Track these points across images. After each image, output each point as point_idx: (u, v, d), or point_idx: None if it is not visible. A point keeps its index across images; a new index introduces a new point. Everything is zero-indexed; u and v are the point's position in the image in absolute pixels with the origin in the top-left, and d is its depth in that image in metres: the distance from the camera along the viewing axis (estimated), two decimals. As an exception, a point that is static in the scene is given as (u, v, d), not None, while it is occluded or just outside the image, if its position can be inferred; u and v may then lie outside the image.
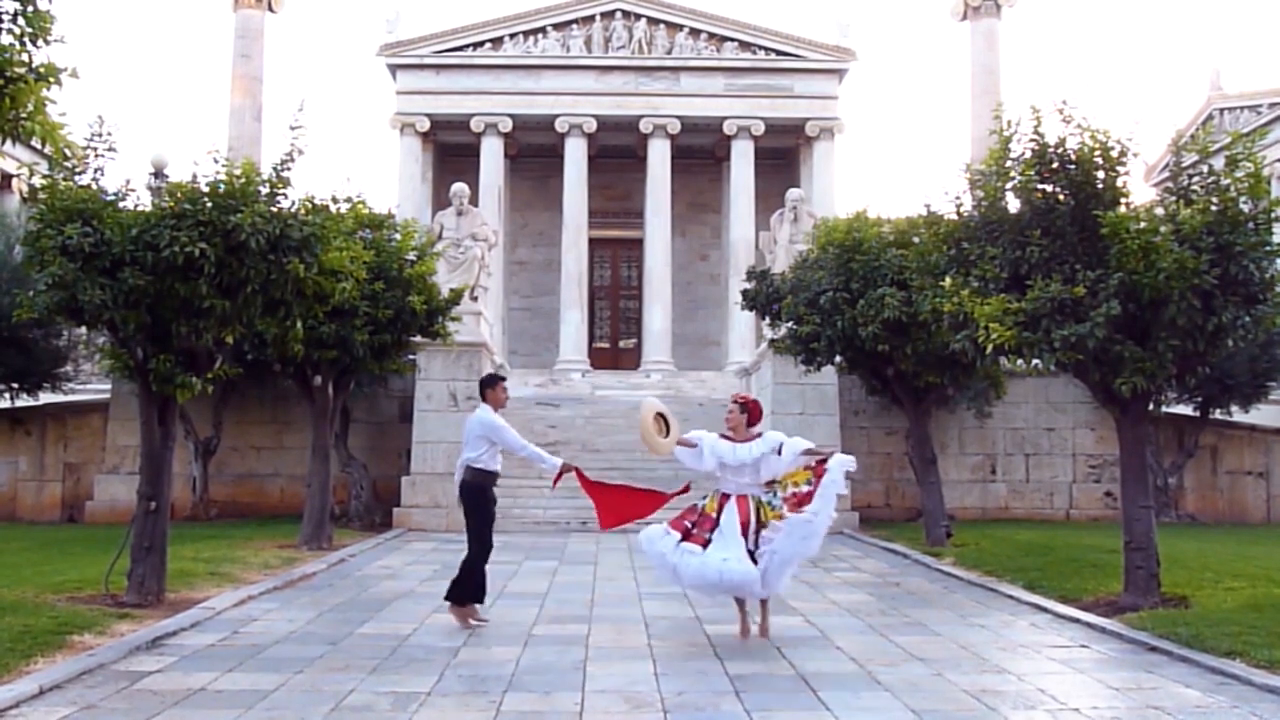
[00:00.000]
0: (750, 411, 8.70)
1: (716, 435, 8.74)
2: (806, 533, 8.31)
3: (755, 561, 8.20)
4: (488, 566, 9.10)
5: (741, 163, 31.12)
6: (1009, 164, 10.01)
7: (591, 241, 31.63)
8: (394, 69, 31.54)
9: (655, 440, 8.75)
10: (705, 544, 8.34)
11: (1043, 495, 20.93)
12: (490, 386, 9.21)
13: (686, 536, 8.46)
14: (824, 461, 8.50)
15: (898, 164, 73.33)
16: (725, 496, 8.53)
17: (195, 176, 9.73)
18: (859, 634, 8.68)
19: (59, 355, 20.61)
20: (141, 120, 67.31)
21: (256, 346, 13.42)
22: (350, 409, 19.26)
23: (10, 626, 7.90)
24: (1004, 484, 20.96)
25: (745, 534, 8.29)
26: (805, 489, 8.39)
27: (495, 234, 23.73)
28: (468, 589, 8.96)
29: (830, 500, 8.39)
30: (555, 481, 9.17)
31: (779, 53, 31.40)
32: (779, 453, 8.45)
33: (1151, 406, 10.58)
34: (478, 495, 9.00)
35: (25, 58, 7.07)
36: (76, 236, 9.07)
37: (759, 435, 8.60)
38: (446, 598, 8.98)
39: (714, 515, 8.46)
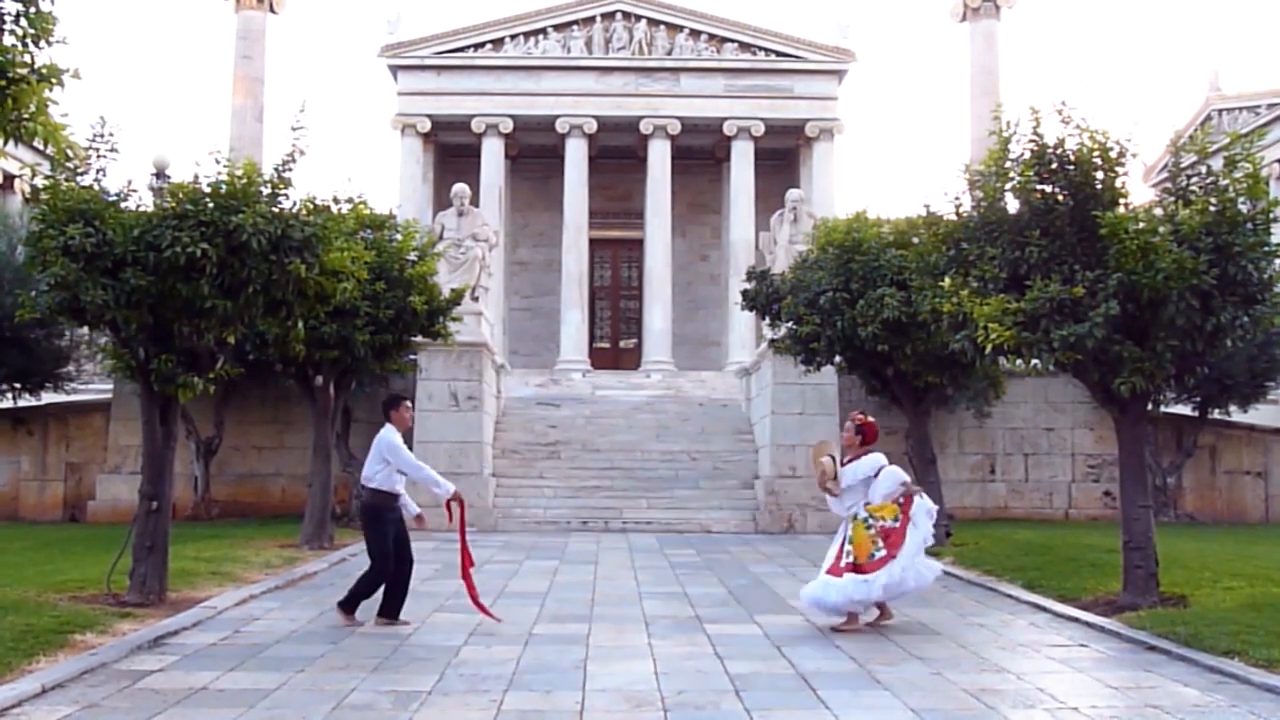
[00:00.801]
0: (865, 432, 9.13)
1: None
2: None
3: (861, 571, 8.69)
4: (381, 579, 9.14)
5: (741, 163, 31.16)
6: (1008, 164, 10.04)
7: (592, 242, 31.66)
8: (395, 70, 31.58)
9: (829, 480, 9.09)
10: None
11: (1042, 495, 20.97)
12: (394, 407, 9.37)
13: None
14: (910, 499, 8.92)
15: (897, 165, 73.40)
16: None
17: (197, 177, 9.76)
18: (858, 633, 8.69)
19: (61, 355, 20.66)
20: (143, 121, 67.35)
21: (258, 346, 13.46)
22: (351, 409, 19.30)
23: (13, 626, 7.92)
24: (1003, 483, 21.00)
25: (840, 555, 8.82)
26: (893, 524, 8.82)
27: (496, 234, 23.78)
28: (396, 602, 9.04)
29: (912, 551, 8.82)
30: (448, 506, 9.24)
31: (779, 54, 31.44)
32: (876, 475, 8.91)
33: (1150, 406, 10.61)
34: (373, 515, 9.11)
35: (28, 59, 7.08)
36: (79, 237, 9.09)
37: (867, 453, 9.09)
38: (379, 614, 8.98)
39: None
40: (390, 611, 9.01)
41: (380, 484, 9.06)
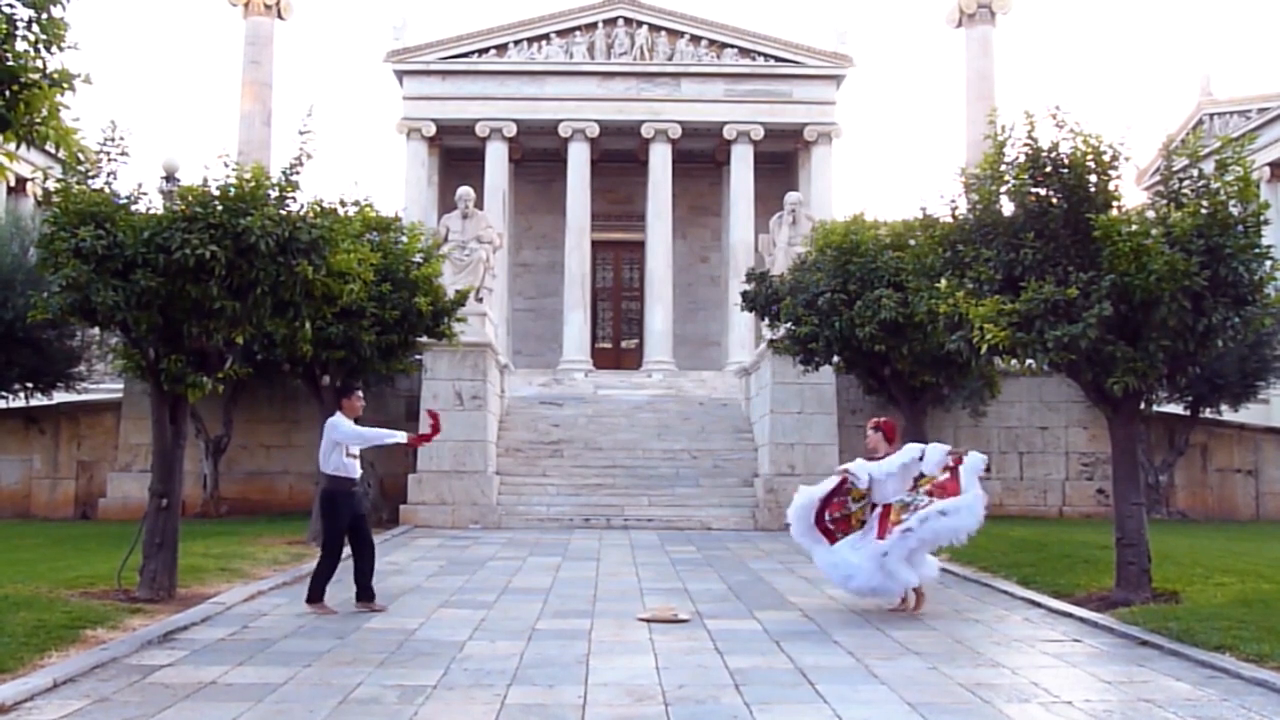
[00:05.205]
0: (884, 430, 9.84)
1: (862, 461, 9.74)
2: (942, 521, 9.35)
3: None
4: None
5: (741, 167, 31.29)
6: (1003, 168, 10.14)
7: (594, 244, 31.78)
8: (401, 75, 31.72)
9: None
10: (834, 539, 9.57)
11: (1036, 493, 21.10)
12: (345, 395, 9.88)
13: (823, 528, 9.58)
14: (960, 460, 9.52)
15: (895, 168, 73.33)
16: (873, 506, 9.54)
17: (206, 180, 9.85)
18: (856, 628, 8.80)
19: (72, 355, 20.78)
20: (153, 125, 67.49)
21: (266, 347, 13.49)
22: (357, 409, 19.39)
23: (25, 621, 8.01)
24: (998, 481, 21.05)
25: (883, 537, 9.29)
26: (944, 477, 9.43)
27: (500, 236, 23.90)
28: (366, 583, 9.61)
29: (971, 484, 9.44)
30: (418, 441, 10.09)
31: (778, 59, 31.58)
32: (922, 458, 9.56)
33: (1143, 405, 10.69)
34: (328, 501, 9.65)
35: (40, 64, 7.13)
36: (90, 239, 9.20)
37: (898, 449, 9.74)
38: (357, 599, 9.56)
39: (861, 520, 9.57)
40: (364, 595, 9.52)
41: (334, 469, 9.52)
